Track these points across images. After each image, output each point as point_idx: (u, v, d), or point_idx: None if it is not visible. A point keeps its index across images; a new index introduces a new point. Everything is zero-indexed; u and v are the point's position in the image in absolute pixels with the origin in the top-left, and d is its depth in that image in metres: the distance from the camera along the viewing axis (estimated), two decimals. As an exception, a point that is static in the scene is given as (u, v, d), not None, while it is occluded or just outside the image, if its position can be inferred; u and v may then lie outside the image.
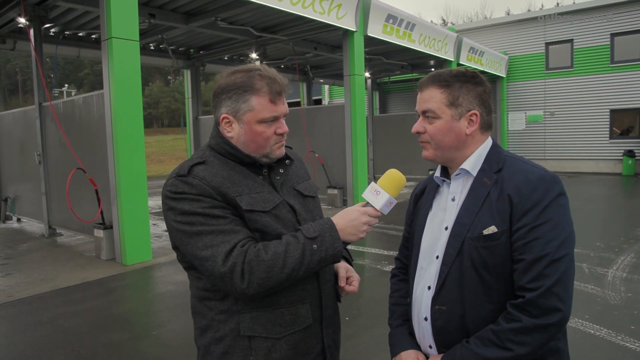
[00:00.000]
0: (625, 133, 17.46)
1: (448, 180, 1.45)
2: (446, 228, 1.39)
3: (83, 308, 4.76)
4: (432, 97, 1.39)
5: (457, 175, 1.42)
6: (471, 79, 1.39)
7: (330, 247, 1.33)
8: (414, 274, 1.48)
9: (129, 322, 4.48)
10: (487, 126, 1.42)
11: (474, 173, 1.38)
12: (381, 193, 1.39)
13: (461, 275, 1.33)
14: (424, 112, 1.41)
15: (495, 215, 1.30)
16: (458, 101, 1.37)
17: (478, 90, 1.39)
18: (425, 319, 1.40)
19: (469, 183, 1.39)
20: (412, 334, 1.50)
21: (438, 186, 1.50)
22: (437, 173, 1.50)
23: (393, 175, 1.42)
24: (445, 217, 1.41)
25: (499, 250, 1.29)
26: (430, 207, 1.50)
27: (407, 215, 1.64)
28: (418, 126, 1.43)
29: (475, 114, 1.38)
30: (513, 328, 1.24)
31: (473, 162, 1.39)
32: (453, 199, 1.41)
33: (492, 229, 1.29)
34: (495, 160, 1.38)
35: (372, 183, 1.42)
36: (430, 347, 1.41)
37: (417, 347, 1.48)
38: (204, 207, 1.31)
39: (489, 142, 1.43)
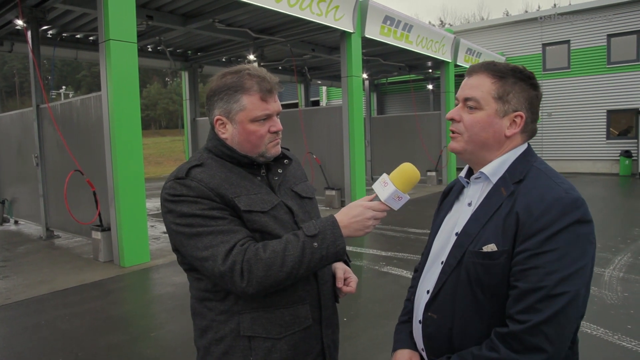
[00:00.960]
0: (623, 134, 17.51)
1: (468, 182, 1.36)
2: (456, 234, 1.31)
3: (81, 310, 4.76)
4: (480, 85, 1.27)
5: (477, 178, 1.31)
6: (527, 79, 1.27)
7: (332, 245, 1.31)
8: (420, 273, 1.45)
9: (127, 324, 4.48)
10: (530, 133, 1.30)
11: (494, 180, 1.26)
12: (388, 185, 1.32)
13: (456, 288, 1.25)
14: (466, 100, 1.28)
15: (499, 232, 1.19)
16: (507, 97, 1.25)
17: (531, 93, 1.27)
18: (420, 322, 1.37)
19: (487, 189, 1.28)
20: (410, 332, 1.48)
21: (463, 187, 1.40)
22: (463, 173, 1.40)
23: (405, 169, 1.33)
24: (458, 222, 1.32)
25: (495, 270, 1.18)
26: (450, 208, 1.42)
27: (435, 213, 1.54)
28: (454, 113, 1.30)
29: (521, 116, 1.26)
30: (490, 357, 1.15)
31: (495, 167, 1.27)
32: (469, 204, 1.32)
33: (492, 247, 1.18)
34: (520, 169, 1.25)
35: (384, 174, 1.36)
36: (423, 350, 1.38)
37: (415, 346, 1.44)
38: (203, 208, 1.32)
39: (520, 148, 1.29)
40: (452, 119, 1.32)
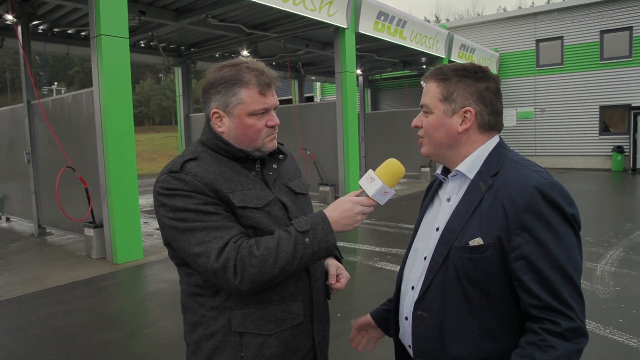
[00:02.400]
0: (605, 130, 17.66)
1: (447, 179, 1.38)
2: (437, 229, 1.33)
3: (73, 307, 4.73)
4: (429, 91, 1.33)
5: (454, 176, 1.35)
6: (472, 73, 1.30)
7: (323, 240, 1.32)
8: (403, 266, 1.46)
9: (120, 321, 4.46)
10: (487, 126, 1.31)
11: (471, 176, 1.29)
12: (375, 180, 1.35)
13: (444, 285, 1.26)
14: (421, 106, 1.36)
15: (484, 225, 1.21)
16: (452, 96, 1.29)
17: (479, 86, 1.29)
18: (406, 318, 1.37)
19: (465, 185, 1.31)
20: (386, 310, 1.59)
21: (442, 182, 1.44)
22: (439, 170, 1.44)
23: (391, 164, 1.38)
24: (438, 217, 1.35)
25: (483, 264, 1.20)
26: (430, 203, 1.45)
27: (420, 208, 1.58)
28: (417, 120, 1.38)
29: (470, 111, 1.29)
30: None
31: (470, 164, 1.30)
32: (448, 199, 1.35)
33: (478, 241, 1.20)
34: (495, 162, 1.28)
35: (370, 170, 1.39)
36: (410, 346, 1.38)
37: (383, 320, 1.57)
38: (197, 203, 1.31)
39: (492, 142, 1.32)
40: (415, 127, 1.38)
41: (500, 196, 1.20)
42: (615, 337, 3.63)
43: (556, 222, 1.16)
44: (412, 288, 1.36)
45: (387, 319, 1.58)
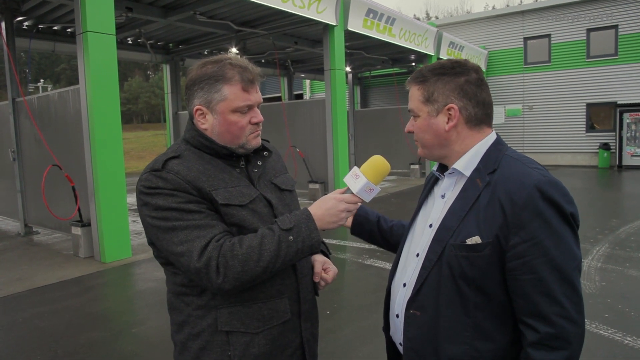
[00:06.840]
0: (591, 127, 17.87)
1: (443, 176, 1.37)
2: (430, 226, 1.32)
3: (60, 307, 4.68)
4: (412, 95, 1.33)
5: (450, 174, 1.33)
6: (449, 70, 1.28)
7: (307, 238, 1.31)
8: (396, 262, 1.45)
9: (108, 320, 4.42)
10: (475, 120, 1.28)
11: (467, 173, 1.27)
12: (360, 177, 1.35)
13: (439, 283, 1.24)
14: (409, 112, 1.37)
15: (481, 223, 1.19)
16: (433, 96, 1.28)
17: (458, 81, 1.26)
18: (397, 316, 1.36)
19: (461, 182, 1.29)
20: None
21: (437, 179, 1.43)
22: (435, 167, 1.42)
23: (376, 161, 1.37)
24: (431, 214, 1.34)
25: (480, 262, 1.18)
26: (424, 200, 1.44)
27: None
28: (409, 126, 1.38)
29: (453, 108, 1.26)
30: None
31: (467, 162, 1.28)
32: (442, 196, 1.33)
33: (476, 239, 1.18)
34: (493, 159, 1.26)
35: (355, 167, 1.38)
36: (400, 344, 1.37)
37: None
38: (179, 202, 1.29)
39: (489, 139, 1.30)
40: (409, 132, 1.38)
41: (498, 194, 1.18)
42: (601, 332, 3.68)
43: (555, 222, 1.14)
44: (404, 285, 1.34)
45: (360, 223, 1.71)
